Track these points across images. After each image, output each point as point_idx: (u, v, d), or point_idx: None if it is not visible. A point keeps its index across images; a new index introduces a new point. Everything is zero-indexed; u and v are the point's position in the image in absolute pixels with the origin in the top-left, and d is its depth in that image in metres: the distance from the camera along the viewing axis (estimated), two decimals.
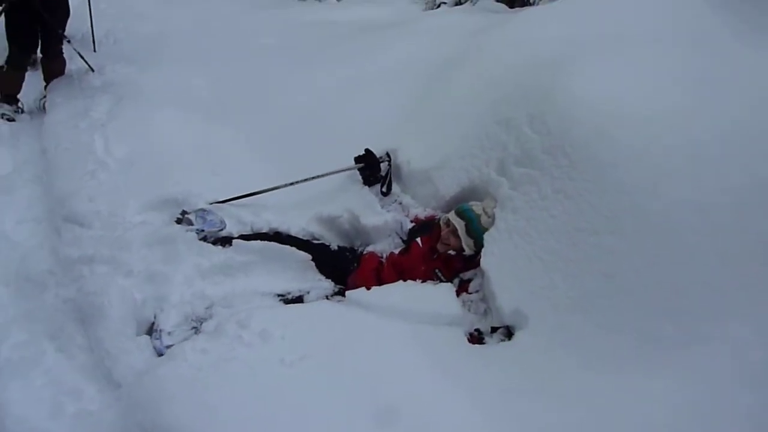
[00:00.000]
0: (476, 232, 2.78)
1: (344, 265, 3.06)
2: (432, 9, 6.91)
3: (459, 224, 2.79)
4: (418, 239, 2.98)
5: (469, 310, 2.69)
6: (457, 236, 2.79)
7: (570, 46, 2.86)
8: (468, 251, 2.81)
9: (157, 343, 2.51)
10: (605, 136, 2.44)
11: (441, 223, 2.93)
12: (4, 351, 2.47)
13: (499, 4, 6.11)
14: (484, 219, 2.79)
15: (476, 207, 2.83)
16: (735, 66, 2.65)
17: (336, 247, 3.15)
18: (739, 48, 2.79)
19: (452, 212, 2.88)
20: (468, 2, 6.54)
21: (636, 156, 2.37)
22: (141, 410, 2.05)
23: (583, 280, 2.34)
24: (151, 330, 2.60)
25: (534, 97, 2.75)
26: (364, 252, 3.13)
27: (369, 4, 7.04)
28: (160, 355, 2.42)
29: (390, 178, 3.33)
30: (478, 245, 2.77)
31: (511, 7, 6.07)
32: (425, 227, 3.05)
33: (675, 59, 2.67)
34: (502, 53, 3.26)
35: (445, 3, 6.92)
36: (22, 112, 4.42)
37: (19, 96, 4.40)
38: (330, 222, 3.25)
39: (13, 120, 4.26)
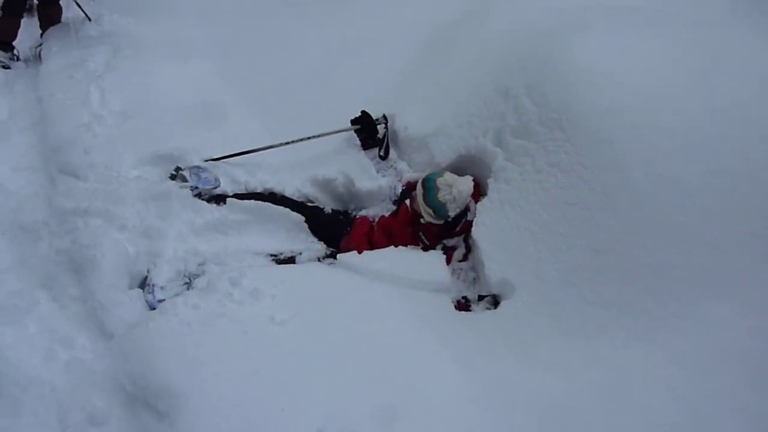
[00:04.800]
0: (432, 204, 2.73)
1: (337, 229, 3.08)
2: None
3: (418, 191, 2.78)
4: (407, 201, 2.98)
5: (458, 278, 2.74)
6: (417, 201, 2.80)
7: (574, 15, 2.82)
8: (428, 219, 2.78)
9: (150, 297, 2.54)
10: (604, 111, 2.43)
11: None
12: None
13: None
14: (441, 194, 2.71)
15: (440, 180, 2.74)
16: (741, 47, 2.63)
17: (330, 210, 3.16)
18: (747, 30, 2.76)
19: (422, 178, 2.85)
20: None
21: (633, 134, 2.37)
22: (131, 362, 2.10)
23: (570, 253, 2.38)
24: (143, 284, 2.63)
25: (534, 66, 2.72)
26: (357, 216, 3.15)
27: None
28: (152, 308, 2.46)
29: (387, 141, 3.31)
30: (442, 216, 2.75)
31: None
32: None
33: (683, 35, 2.63)
34: (504, 20, 3.20)
35: None
36: (18, 59, 4.33)
37: (14, 43, 4.32)
38: (325, 184, 3.24)
39: (8, 67, 4.18)
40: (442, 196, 2.71)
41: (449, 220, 2.78)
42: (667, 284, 2.26)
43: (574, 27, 2.74)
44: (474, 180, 2.82)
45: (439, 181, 2.74)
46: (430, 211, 2.75)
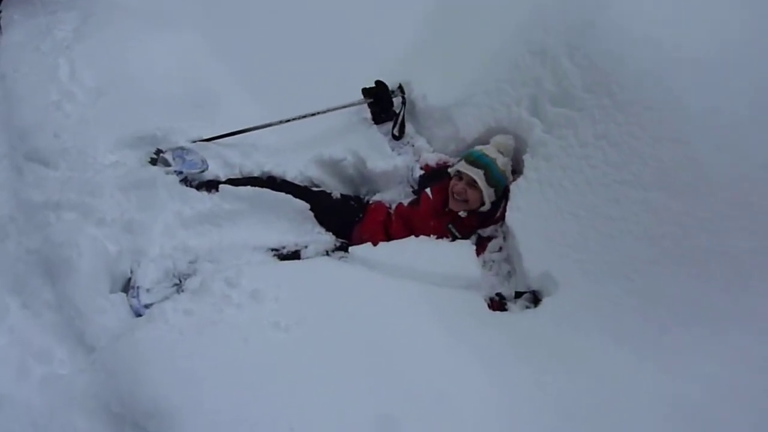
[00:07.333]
0: (496, 179, 2.70)
1: (348, 216, 3.01)
2: None
3: (476, 174, 2.69)
4: (428, 190, 2.90)
5: (490, 272, 2.65)
6: (477, 188, 2.70)
7: None
8: (488, 204, 2.74)
9: (134, 301, 2.47)
10: (661, 72, 2.31)
11: (451, 175, 2.83)
12: None
13: None
14: (501, 161, 2.72)
15: (488, 150, 2.75)
16: None
17: (339, 195, 3.08)
18: None
19: (462, 162, 2.78)
20: None
21: (696, 98, 2.24)
22: (116, 377, 2.02)
23: (624, 242, 2.28)
24: (127, 287, 2.57)
25: (575, 22, 2.60)
26: (371, 201, 3.08)
27: None
28: (138, 315, 2.40)
29: (403, 117, 3.21)
30: (498, 194, 2.73)
31: None
32: (437, 176, 2.95)
33: None
34: None
35: None
36: None
37: None
38: (332, 166, 3.17)
39: None
40: (503, 163, 2.72)
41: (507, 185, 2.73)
42: (742, 275, 2.12)
43: None
44: None
45: (489, 151, 2.73)
46: (492, 191, 2.71)
